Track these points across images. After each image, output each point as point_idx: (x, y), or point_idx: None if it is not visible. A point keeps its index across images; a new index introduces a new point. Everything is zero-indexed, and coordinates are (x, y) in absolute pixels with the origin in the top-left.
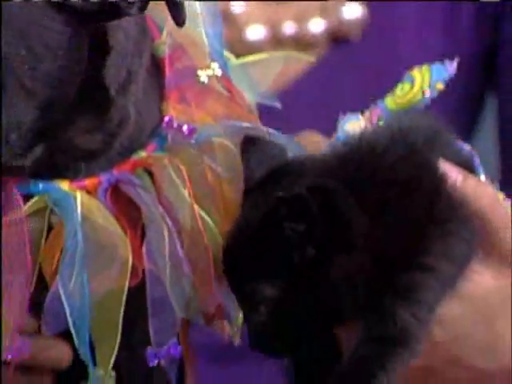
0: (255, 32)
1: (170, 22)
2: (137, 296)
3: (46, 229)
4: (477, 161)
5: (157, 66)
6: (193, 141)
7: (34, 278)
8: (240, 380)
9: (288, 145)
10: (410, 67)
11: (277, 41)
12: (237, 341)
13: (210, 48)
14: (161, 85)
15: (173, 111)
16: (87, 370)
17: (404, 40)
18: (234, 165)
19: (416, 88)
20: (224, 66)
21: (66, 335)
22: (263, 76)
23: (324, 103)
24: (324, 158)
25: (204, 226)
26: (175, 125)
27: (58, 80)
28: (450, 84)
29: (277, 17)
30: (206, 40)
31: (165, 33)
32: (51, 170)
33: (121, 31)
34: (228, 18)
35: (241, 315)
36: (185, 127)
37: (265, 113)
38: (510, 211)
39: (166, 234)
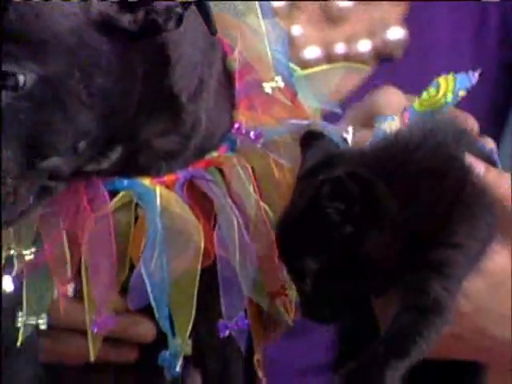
0: (311, 52)
1: (240, 42)
2: (209, 276)
3: (133, 220)
4: (495, 156)
5: (229, 79)
6: (259, 144)
7: (127, 264)
8: (301, 350)
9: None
10: None
11: (330, 59)
12: (292, 316)
13: (276, 62)
14: (232, 95)
15: (243, 117)
16: (167, 340)
17: (438, 57)
18: (297, 159)
19: (440, 94)
20: (289, 77)
21: (148, 310)
22: (325, 84)
23: None
24: (363, 151)
25: (267, 216)
26: (244, 131)
27: (113, 93)
28: (478, 92)
29: (330, 39)
30: (270, 56)
31: (236, 50)
32: (136, 169)
33: (186, 44)
34: (288, 40)
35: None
36: (252, 133)
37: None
38: None
39: (235, 223)
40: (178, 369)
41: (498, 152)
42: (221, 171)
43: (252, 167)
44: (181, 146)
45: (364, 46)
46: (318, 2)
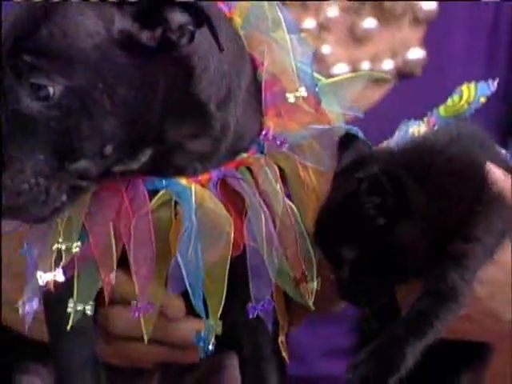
0: (340, 69)
1: (267, 56)
2: (239, 264)
3: (173, 216)
4: (511, 161)
5: (258, 90)
6: (284, 148)
7: (169, 254)
8: (326, 334)
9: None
10: None
11: None
12: (312, 302)
13: (301, 73)
14: (260, 104)
15: (271, 123)
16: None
17: (453, 74)
18: (319, 160)
19: (463, 100)
20: (313, 86)
21: (185, 295)
22: (349, 92)
23: (394, 125)
24: (392, 152)
25: (292, 212)
26: (271, 137)
27: (135, 102)
28: (488, 105)
29: (356, 57)
30: (295, 68)
31: (265, 64)
32: (173, 170)
33: (213, 57)
34: (318, 58)
35: (315, 282)
36: (277, 139)
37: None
38: None
39: (262, 217)
40: (211, 347)
41: None
42: (250, 171)
43: (279, 167)
44: (212, 148)
45: (387, 64)
46: (345, 24)
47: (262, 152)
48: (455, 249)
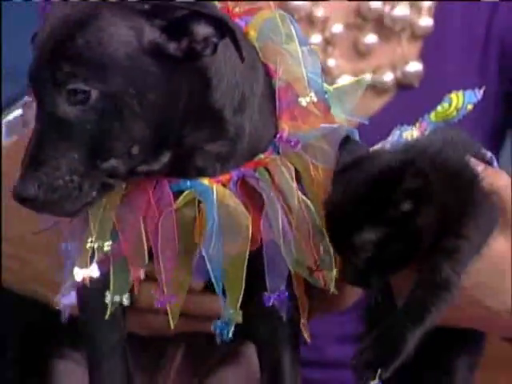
0: (344, 80)
1: (281, 66)
2: (257, 257)
3: (197, 214)
4: (495, 163)
5: (273, 96)
6: (297, 149)
7: (197, 251)
8: (333, 321)
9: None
10: None
11: None
12: (332, 289)
13: (311, 81)
14: (275, 108)
15: (286, 126)
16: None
17: (448, 85)
18: (327, 158)
19: (453, 107)
20: (322, 93)
21: (207, 286)
22: (351, 97)
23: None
24: (386, 152)
25: (306, 206)
26: (285, 138)
27: (162, 107)
28: (479, 114)
29: (359, 70)
30: (305, 77)
31: (279, 72)
32: (196, 170)
33: (227, 69)
34: (324, 70)
35: (335, 270)
36: (291, 140)
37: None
38: None
39: (279, 211)
40: (230, 335)
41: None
42: (267, 170)
43: (294, 166)
44: (229, 149)
45: (387, 76)
46: (348, 40)
47: (278, 152)
48: (447, 244)
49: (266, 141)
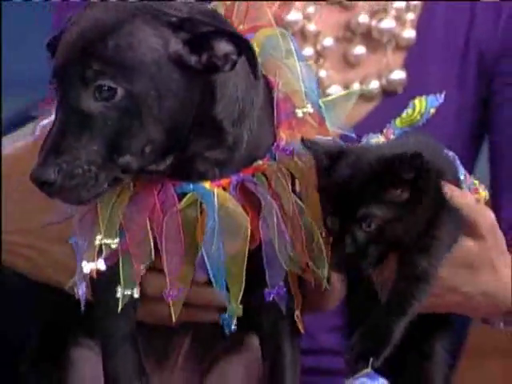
0: (334, 90)
1: (280, 79)
2: (256, 255)
3: (199, 215)
4: (457, 162)
5: (273, 107)
6: (293, 156)
7: (199, 249)
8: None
9: None
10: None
11: None
12: (325, 285)
13: (307, 94)
14: (274, 118)
15: (283, 135)
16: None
17: (430, 92)
18: (309, 163)
19: (416, 112)
20: (317, 106)
21: (209, 282)
22: (342, 108)
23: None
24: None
25: (299, 210)
26: (281, 147)
27: (177, 112)
28: (455, 121)
29: (348, 79)
30: (303, 89)
31: (279, 85)
32: (197, 174)
33: (230, 84)
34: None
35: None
36: (287, 149)
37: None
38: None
39: (275, 215)
40: (233, 327)
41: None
42: (265, 176)
43: (289, 172)
44: (227, 156)
45: (373, 84)
46: (338, 52)
47: (274, 159)
48: (423, 243)
49: (264, 148)
